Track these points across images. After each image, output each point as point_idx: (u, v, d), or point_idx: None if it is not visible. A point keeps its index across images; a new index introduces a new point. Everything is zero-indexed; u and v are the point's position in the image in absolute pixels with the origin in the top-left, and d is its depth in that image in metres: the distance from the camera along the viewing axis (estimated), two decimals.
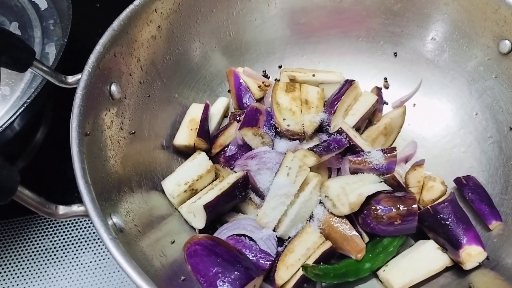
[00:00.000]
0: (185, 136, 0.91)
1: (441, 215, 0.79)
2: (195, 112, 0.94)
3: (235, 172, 0.88)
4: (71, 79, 0.79)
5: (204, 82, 1.00)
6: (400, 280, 0.77)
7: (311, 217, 0.82)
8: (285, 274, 0.75)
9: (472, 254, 0.76)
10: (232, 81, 1.00)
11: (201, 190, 0.85)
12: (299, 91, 0.95)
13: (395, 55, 1.02)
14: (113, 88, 0.80)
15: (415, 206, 0.78)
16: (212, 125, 0.97)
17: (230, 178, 0.82)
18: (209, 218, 0.79)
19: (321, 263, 0.77)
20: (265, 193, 0.81)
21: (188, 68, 0.97)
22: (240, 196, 0.82)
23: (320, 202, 0.82)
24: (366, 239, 0.82)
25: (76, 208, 0.65)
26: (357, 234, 0.80)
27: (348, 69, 1.03)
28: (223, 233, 0.81)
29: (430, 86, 0.99)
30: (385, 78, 1.03)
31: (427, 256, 0.79)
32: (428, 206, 0.81)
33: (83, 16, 1.05)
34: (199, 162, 0.86)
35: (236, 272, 0.71)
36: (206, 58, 0.99)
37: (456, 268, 0.80)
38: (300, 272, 0.75)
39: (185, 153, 0.92)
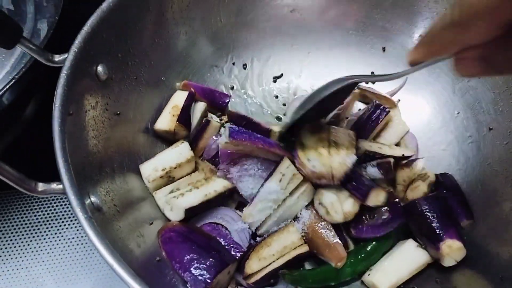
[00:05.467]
0: (166, 121, 0.92)
1: (426, 208, 0.80)
2: (179, 99, 0.94)
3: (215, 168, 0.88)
4: (58, 58, 0.79)
5: (193, 67, 1.01)
6: (386, 282, 0.78)
7: (296, 218, 0.83)
8: (256, 265, 0.76)
9: (452, 247, 0.77)
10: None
11: (179, 179, 0.85)
12: (327, 133, 0.83)
13: (384, 50, 1.03)
14: (100, 69, 0.81)
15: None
16: (195, 120, 0.96)
17: (217, 186, 0.82)
18: (185, 218, 0.80)
19: (300, 269, 0.79)
20: (247, 199, 0.83)
21: (176, 52, 0.97)
22: (221, 204, 0.84)
23: (307, 206, 0.83)
24: (351, 247, 0.83)
25: (55, 186, 0.67)
26: (340, 242, 0.79)
27: (337, 62, 1.05)
28: (200, 219, 0.83)
29: (415, 83, 1.00)
30: (372, 72, 1.04)
31: (408, 255, 0.80)
32: (416, 199, 0.82)
33: None
34: (180, 151, 0.86)
35: (211, 259, 0.73)
36: (195, 44, 1.00)
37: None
38: (270, 267, 0.76)
39: (167, 139, 0.93)
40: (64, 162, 0.65)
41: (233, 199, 0.87)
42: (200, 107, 0.98)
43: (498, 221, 0.80)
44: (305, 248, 0.79)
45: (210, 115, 1.01)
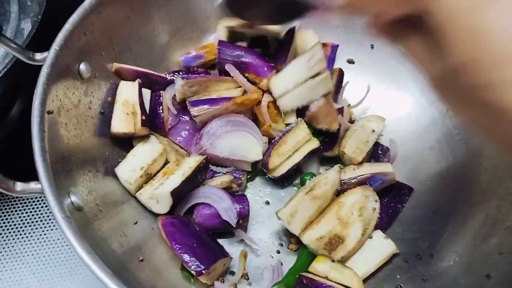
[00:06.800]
0: (123, 122, 0.84)
1: None
2: (127, 93, 0.87)
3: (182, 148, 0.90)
4: (39, 56, 0.78)
5: (179, 65, 0.99)
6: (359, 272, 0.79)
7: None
8: (276, 160, 0.87)
9: None
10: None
11: (155, 174, 0.84)
12: None
13: (372, 47, 1.02)
14: (82, 67, 0.80)
15: None
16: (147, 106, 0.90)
17: (190, 162, 0.82)
18: (173, 203, 0.80)
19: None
20: (226, 159, 0.87)
21: (162, 50, 0.96)
22: (201, 179, 0.84)
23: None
24: None
25: (34, 185, 0.66)
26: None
27: None
28: (186, 203, 0.83)
29: (404, 80, 0.99)
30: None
31: (377, 246, 0.82)
32: None
33: None
34: (151, 146, 0.85)
35: (212, 246, 0.78)
36: (182, 41, 0.99)
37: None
38: (290, 162, 0.88)
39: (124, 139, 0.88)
40: (43, 162, 0.64)
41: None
42: (146, 95, 0.91)
43: (486, 218, 0.79)
44: (316, 143, 0.89)
45: None
